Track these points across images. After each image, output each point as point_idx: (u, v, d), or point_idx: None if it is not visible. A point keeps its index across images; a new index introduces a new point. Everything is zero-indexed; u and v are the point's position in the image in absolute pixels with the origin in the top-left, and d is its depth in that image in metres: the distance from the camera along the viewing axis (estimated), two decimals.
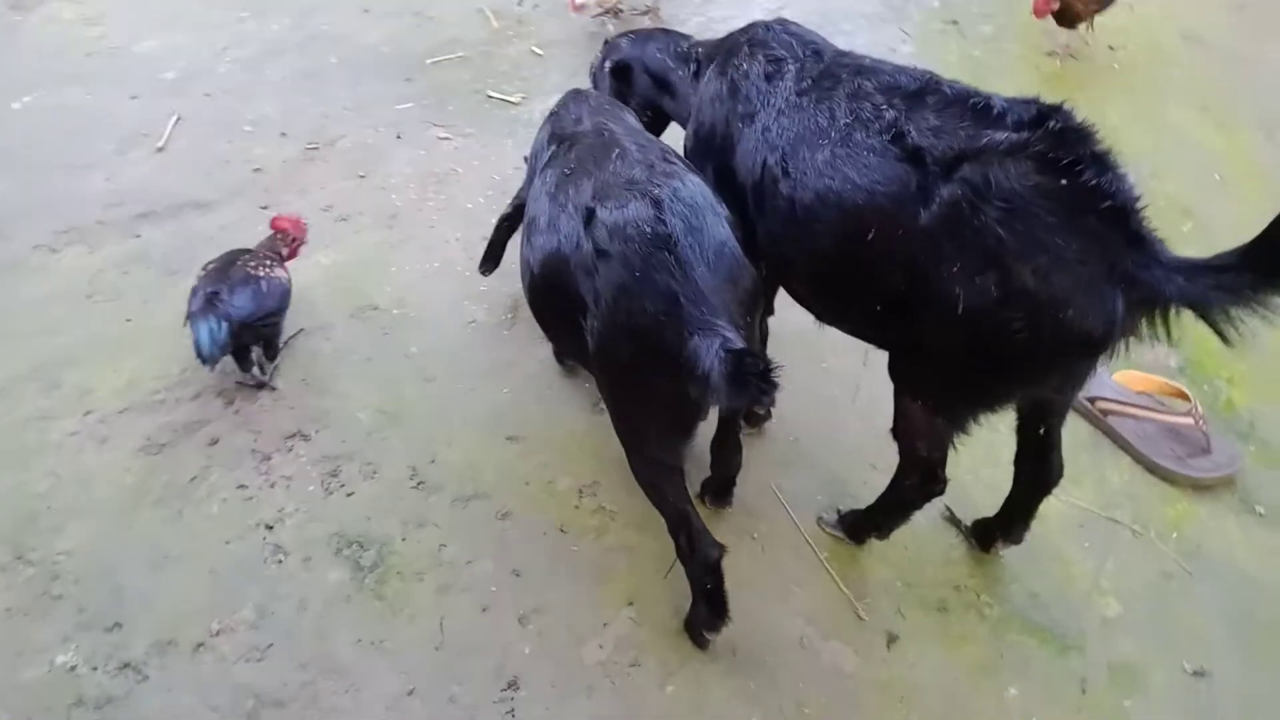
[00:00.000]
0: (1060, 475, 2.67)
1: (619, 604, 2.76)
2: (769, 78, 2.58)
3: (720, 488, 2.97)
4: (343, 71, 4.67)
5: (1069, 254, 1.96)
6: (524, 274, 2.64)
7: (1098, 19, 4.66)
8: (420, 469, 3.06)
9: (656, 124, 3.29)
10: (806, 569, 2.88)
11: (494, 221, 3.39)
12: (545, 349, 3.39)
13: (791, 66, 2.56)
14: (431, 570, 2.80)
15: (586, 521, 2.95)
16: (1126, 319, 1.98)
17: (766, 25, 2.75)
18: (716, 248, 2.20)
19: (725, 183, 2.60)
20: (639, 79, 3.21)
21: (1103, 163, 2.01)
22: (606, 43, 3.37)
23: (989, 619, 2.80)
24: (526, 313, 3.15)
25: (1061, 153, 1.99)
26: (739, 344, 2.00)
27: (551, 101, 3.03)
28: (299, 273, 3.38)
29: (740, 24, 2.85)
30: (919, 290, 2.17)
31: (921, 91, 2.27)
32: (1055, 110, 2.10)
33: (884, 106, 2.28)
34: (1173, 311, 1.96)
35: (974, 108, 2.16)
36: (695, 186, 2.31)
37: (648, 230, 2.16)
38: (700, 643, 2.67)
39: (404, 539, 2.87)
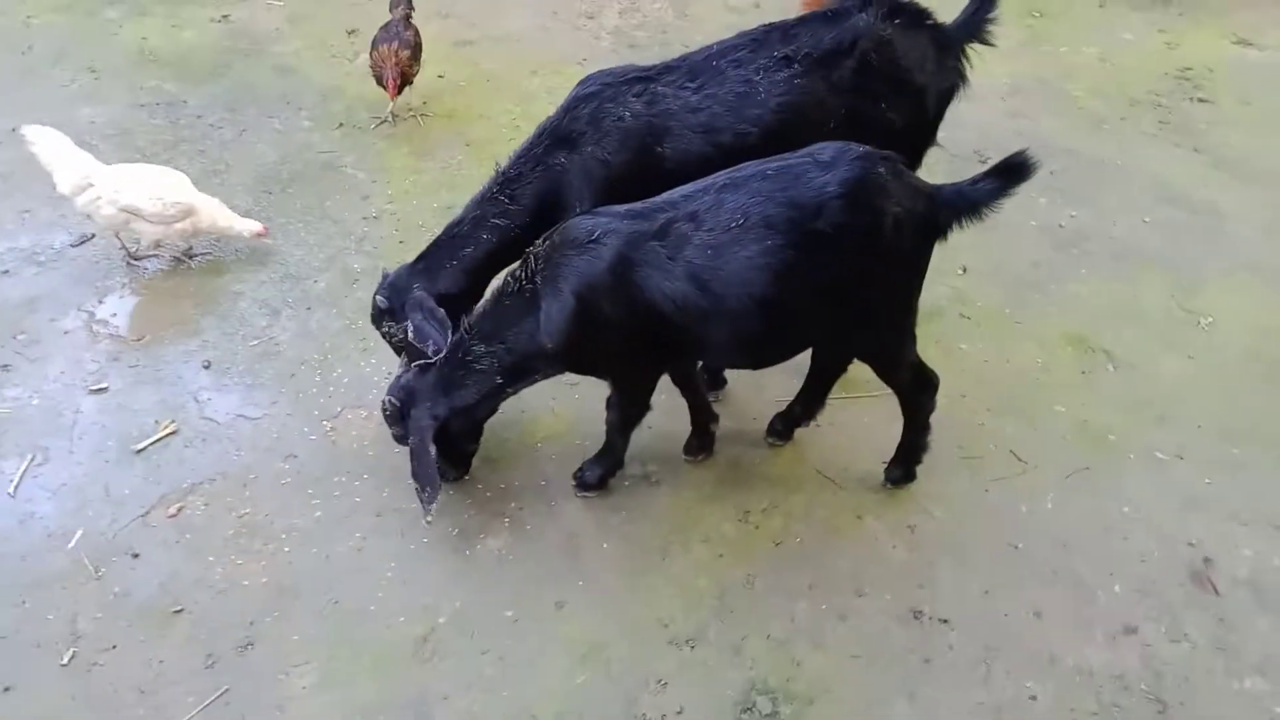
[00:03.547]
0: None
1: None
2: (650, 103, 3.40)
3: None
4: None
5: (930, 53, 3.53)
6: None
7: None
8: None
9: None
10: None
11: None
12: None
13: (657, 87, 3.42)
14: None
15: None
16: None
17: (587, 95, 3.45)
18: None
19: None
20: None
21: (914, 7, 3.58)
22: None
23: None
24: None
25: (896, 8, 3.50)
26: None
27: None
28: None
29: None
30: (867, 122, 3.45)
31: (780, 35, 3.48)
32: None
33: (775, 54, 3.43)
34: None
35: (826, 17, 3.49)
36: None
37: None
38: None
39: None
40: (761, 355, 3.36)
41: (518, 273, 3.26)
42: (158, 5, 6.51)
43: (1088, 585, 3.45)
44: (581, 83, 3.56)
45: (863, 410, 4.00)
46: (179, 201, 4.31)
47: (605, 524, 3.59)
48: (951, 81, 3.64)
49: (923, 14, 3.58)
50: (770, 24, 3.56)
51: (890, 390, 3.55)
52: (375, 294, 3.65)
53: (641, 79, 3.47)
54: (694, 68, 3.47)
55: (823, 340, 3.43)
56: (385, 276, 3.66)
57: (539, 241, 3.22)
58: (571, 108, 3.49)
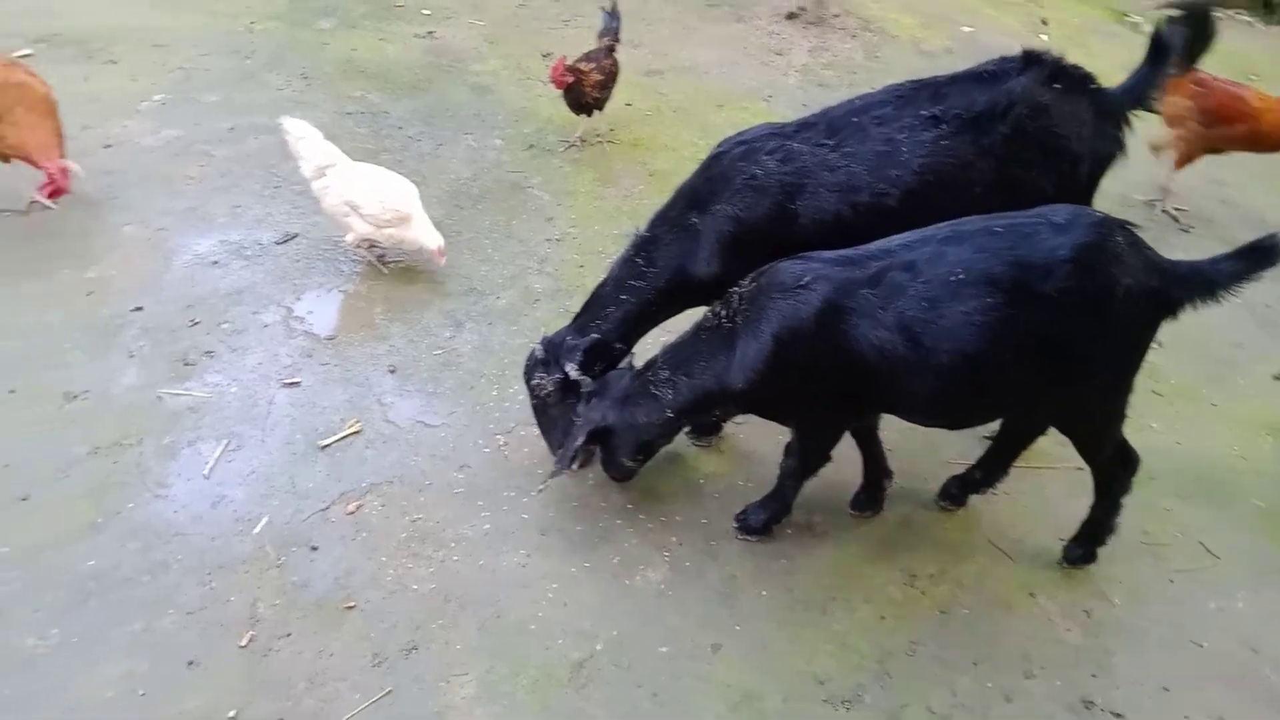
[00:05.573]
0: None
1: None
2: (785, 160, 3.33)
3: None
4: None
5: (1088, 119, 3.35)
6: None
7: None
8: None
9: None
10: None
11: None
12: None
13: (792, 145, 3.35)
14: None
15: None
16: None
17: (719, 155, 3.48)
18: None
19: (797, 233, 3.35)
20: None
21: (1077, 72, 3.41)
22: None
23: None
24: None
25: (1058, 72, 3.36)
26: None
27: None
28: None
29: None
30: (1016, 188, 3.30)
31: (929, 93, 3.37)
32: (1035, 56, 3.39)
33: (922, 113, 3.31)
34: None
35: (980, 78, 3.36)
36: None
37: None
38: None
39: None
40: (962, 416, 3.28)
41: (719, 309, 3.28)
42: (367, 19, 6.89)
43: (1278, 694, 3.23)
44: (718, 144, 3.56)
45: (1043, 482, 3.87)
46: (397, 209, 4.53)
47: (765, 570, 3.57)
48: (1110, 149, 3.46)
49: (1085, 79, 3.41)
50: (919, 80, 3.47)
51: (1078, 464, 3.41)
52: (534, 346, 3.74)
53: (777, 135, 3.43)
54: (833, 124, 3.40)
55: (1028, 407, 3.31)
56: (544, 339, 3.74)
57: (744, 281, 3.23)
58: (705, 168, 3.51)
